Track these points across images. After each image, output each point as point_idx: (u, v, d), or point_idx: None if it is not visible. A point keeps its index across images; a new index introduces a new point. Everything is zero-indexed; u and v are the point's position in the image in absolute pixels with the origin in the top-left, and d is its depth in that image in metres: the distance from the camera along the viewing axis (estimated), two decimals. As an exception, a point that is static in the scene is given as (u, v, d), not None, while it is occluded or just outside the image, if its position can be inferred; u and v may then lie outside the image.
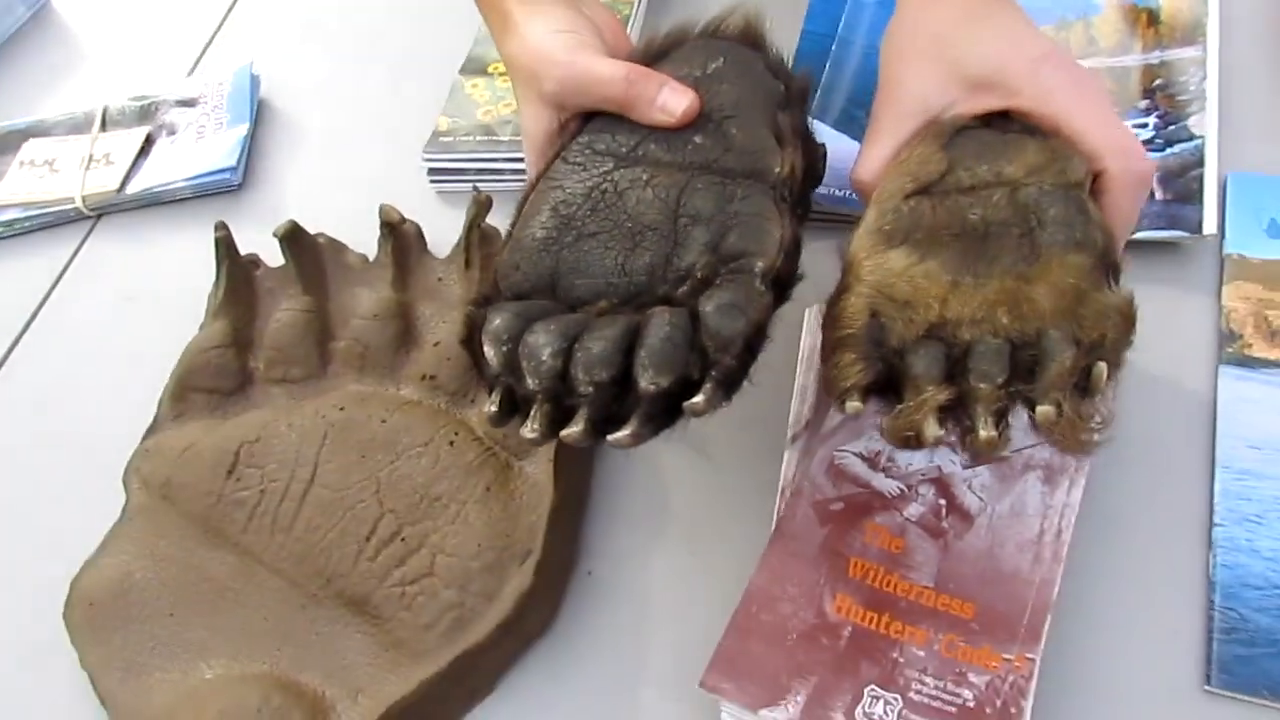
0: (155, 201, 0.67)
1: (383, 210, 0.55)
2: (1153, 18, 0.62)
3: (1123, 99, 0.58)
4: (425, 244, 0.57)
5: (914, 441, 0.35)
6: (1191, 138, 0.55)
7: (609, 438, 0.35)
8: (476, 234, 0.54)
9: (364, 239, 0.57)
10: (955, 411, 0.35)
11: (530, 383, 0.36)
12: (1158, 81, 0.59)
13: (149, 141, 0.69)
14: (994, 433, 0.34)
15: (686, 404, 0.35)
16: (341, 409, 0.49)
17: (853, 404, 0.36)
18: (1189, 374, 0.48)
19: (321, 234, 0.57)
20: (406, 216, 0.56)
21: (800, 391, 0.47)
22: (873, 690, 0.39)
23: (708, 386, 0.35)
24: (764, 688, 0.39)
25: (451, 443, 0.47)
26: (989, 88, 0.42)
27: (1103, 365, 0.34)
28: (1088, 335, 0.34)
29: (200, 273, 0.58)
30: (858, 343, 0.36)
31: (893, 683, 0.39)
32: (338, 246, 0.57)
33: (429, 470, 0.46)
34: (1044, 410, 0.34)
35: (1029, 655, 0.39)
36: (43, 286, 0.65)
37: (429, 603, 0.44)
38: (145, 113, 0.71)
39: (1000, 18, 0.43)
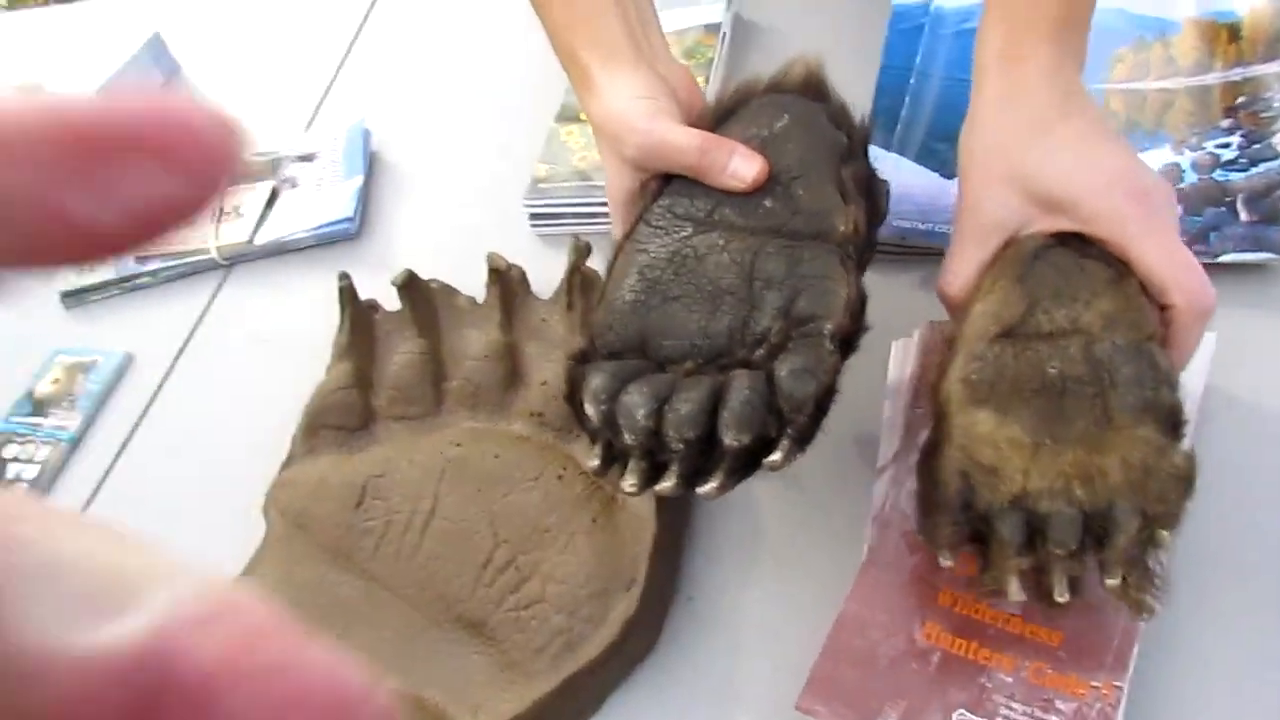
0: (281, 250, 0.72)
1: (489, 258, 0.59)
2: (1233, 33, 0.60)
3: (1204, 118, 0.57)
4: (529, 286, 0.60)
5: (999, 596, 0.39)
6: (1276, 156, 0.54)
7: (698, 490, 0.39)
8: (577, 278, 0.57)
9: (471, 278, 0.60)
10: (1034, 572, 0.39)
11: (627, 438, 0.39)
12: (1240, 99, 0.57)
13: (274, 194, 0.75)
14: (1068, 596, 0.38)
15: (765, 461, 0.38)
16: (458, 445, 0.52)
17: (946, 561, 0.41)
18: (1278, 400, 0.48)
19: (434, 279, 0.61)
20: (510, 260, 0.59)
21: (888, 424, 0.49)
22: (961, 715, 0.41)
23: (784, 443, 0.38)
24: (856, 710, 0.41)
25: (559, 477, 0.50)
26: (1062, 210, 0.43)
27: (1165, 533, 0.38)
28: (1153, 508, 0.37)
29: (323, 315, 0.61)
30: (950, 509, 0.40)
31: (981, 708, 0.41)
32: (449, 290, 0.60)
33: (539, 503, 0.49)
34: (1112, 584, 0.37)
35: (1116, 683, 0.40)
36: (184, 330, 0.70)
37: (541, 627, 0.46)
38: (269, 168, 0.77)
39: (1072, 127, 0.43)
